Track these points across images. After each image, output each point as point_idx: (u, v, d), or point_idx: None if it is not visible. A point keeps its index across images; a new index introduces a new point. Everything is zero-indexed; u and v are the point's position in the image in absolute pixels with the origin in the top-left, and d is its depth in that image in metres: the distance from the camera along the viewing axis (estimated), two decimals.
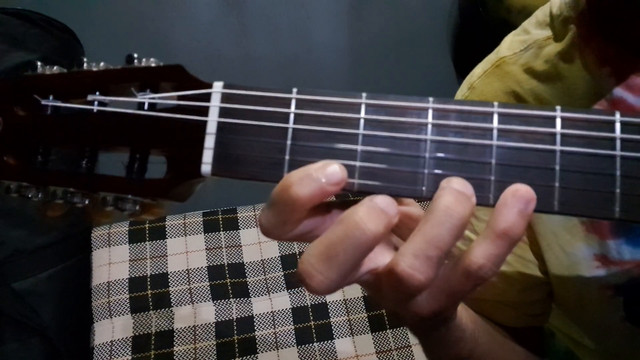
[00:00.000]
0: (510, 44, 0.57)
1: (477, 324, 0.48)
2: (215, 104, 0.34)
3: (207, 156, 0.33)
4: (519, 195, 0.30)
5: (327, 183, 0.30)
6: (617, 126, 0.32)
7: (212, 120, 0.34)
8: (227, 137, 0.34)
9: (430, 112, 0.33)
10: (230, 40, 1.69)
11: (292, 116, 0.33)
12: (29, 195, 0.35)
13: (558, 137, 0.32)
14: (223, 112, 0.34)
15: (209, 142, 0.34)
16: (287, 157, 0.33)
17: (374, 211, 0.30)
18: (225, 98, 0.34)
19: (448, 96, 0.62)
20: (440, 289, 0.32)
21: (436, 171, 0.32)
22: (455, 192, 0.30)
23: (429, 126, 0.33)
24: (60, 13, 1.26)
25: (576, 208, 0.32)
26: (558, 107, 0.33)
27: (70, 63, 0.37)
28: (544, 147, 0.32)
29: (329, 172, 0.30)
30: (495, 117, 0.33)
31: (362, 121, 0.33)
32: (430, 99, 0.33)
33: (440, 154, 0.33)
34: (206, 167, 0.33)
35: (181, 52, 1.65)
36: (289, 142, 0.33)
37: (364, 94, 0.33)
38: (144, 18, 1.63)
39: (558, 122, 0.32)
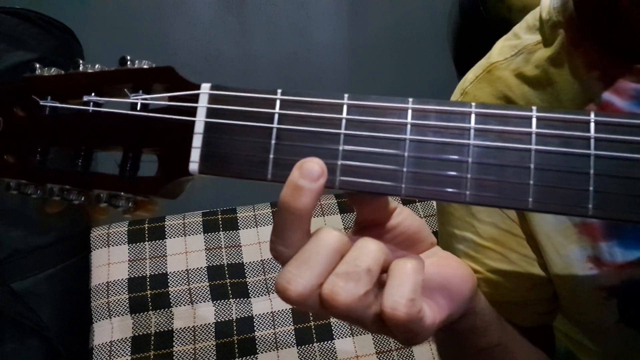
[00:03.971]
0: (501, 49, 0.57)
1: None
2: (202, 104, 0.36)
3: (195, 155, 0.35)
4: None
5: (313, 183, 0.32)
6: (592, 126, 0.33)
7: (200, 121, 0.36)
8: (214, 137, 0.35)
9: (409, 112, 0.34)
10: (229, 39, 1.69)
11: (276, 116, 0.35)
12: (28, 192, 0.37)
13: (533, 137, 0.33)
14: (210, 113, 0.36)
15: (197, 141, 0.35)
16: (271, 156, 0.35)
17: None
18: (212, 99, 0.36)
19: (448, 96, 0.63)
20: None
21: (415, 169, 0.34)
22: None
23: (408, 126, 0.34)
24: (59, 12, 1.26)
25: (550, 206, 0.33)
26: (534, 107, 0.34)
27: (68, 62, 0.38)
28: (520, 147, 0.33)
29: (307, 173, 0.32)
30: (473, 117, 0.34)
31: (344, 121, 0.35)
32: (410, 99, 0.35)
33: (419, 153, 0.34)
34: (194, 165, 0.35)
35: (180, 51, 1.65)
36: (273, 141, 0.35)
37: (346, 95, 0.35)
38: (143, 17, 1.63)
39: (534, 121, 0.33)
